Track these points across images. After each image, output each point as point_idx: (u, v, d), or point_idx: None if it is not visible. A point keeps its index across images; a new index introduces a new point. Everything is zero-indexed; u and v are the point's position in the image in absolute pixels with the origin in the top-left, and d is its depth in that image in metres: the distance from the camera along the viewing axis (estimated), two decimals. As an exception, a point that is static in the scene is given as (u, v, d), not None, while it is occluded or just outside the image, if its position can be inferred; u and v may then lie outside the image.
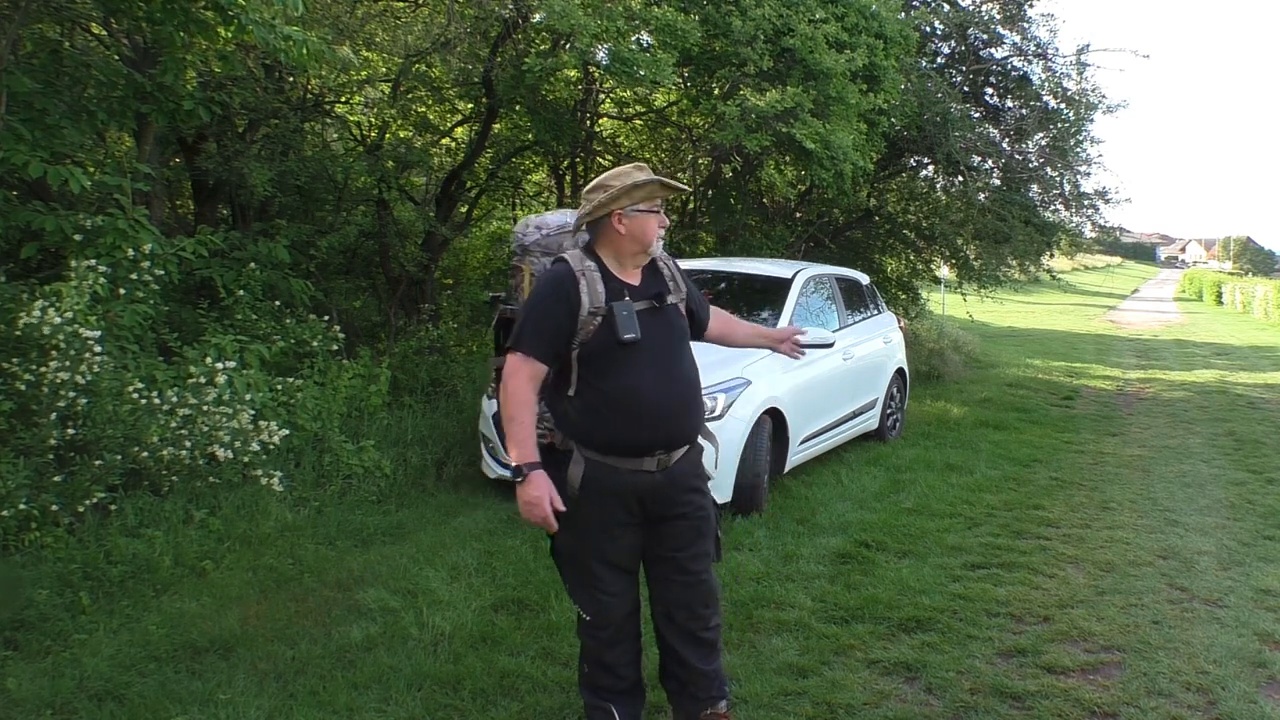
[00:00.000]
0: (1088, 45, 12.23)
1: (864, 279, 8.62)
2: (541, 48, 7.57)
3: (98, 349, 4.55)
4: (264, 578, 4.43)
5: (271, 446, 5.14)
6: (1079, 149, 11.60)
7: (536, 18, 7.27)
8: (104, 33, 6.39)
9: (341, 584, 4.42)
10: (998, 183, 11.60)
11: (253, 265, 6.41)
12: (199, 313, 6.03)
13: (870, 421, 7.81)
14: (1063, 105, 11.51)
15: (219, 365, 5.11)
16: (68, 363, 4.44)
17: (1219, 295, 38.53)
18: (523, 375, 2.83)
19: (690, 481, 3.00)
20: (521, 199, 11.52)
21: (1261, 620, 4.29)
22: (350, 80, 7.57)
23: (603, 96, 9.52)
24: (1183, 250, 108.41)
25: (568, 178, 11.00)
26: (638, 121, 10.55)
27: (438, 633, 3.90)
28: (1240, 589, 4.68)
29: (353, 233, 8.36)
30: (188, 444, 4.80)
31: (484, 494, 5.92)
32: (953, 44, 11.63)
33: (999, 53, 11.71)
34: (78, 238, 4.97)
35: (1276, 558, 5.19)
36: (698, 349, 3.11)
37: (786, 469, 6.35)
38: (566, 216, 3.13)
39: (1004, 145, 11.74)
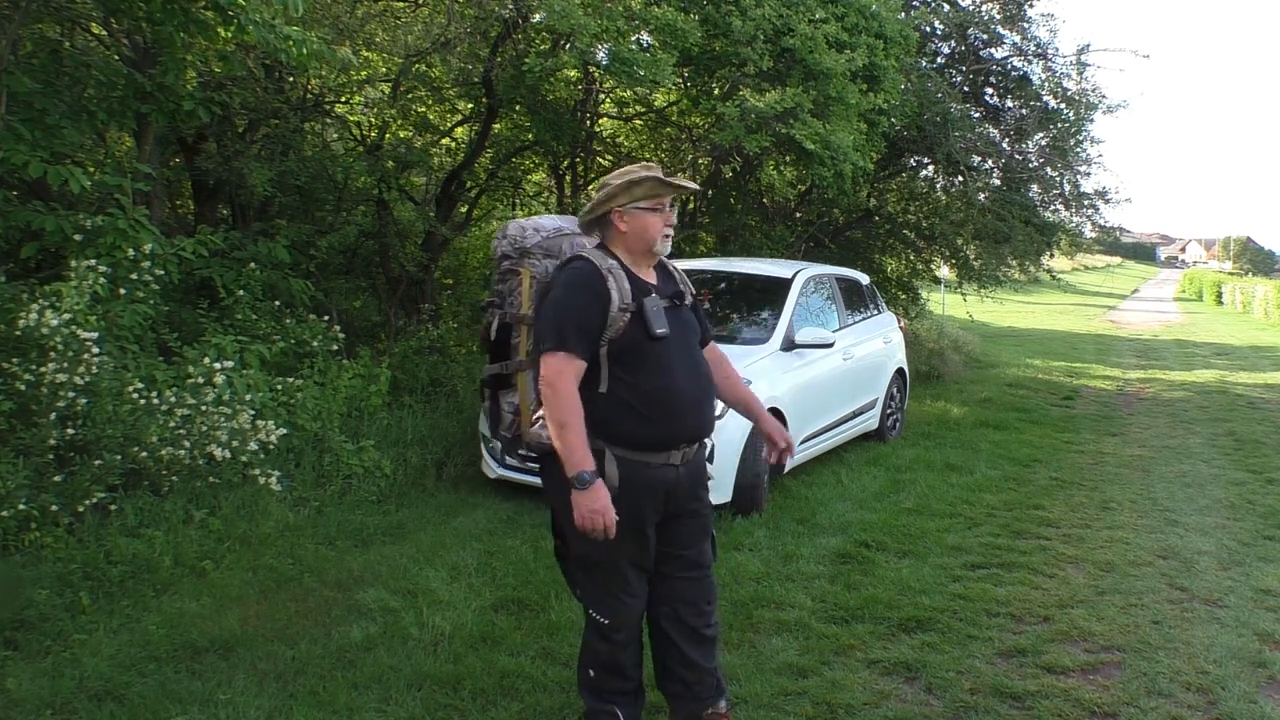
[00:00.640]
0: (1088, 45, 12.24)
1: (864, 279, 8.62)
2: (541, 48, 7.56)
3: (96, 349, 4.54)
4: (264, 578, 4.43)
5: (270, 446, 5.14)
6: (1079, 149, 11.60)
7: (536, 18, 7.26)
8: (104, 33, 6.39)
9: (341, 584, 4.42)
10: (998, 183, 11.59)
11: (253, 265, 6.41)
12: (199, 313, 6.03)
13: (870, 421, 7.81)
14: (1063, 105, 11.51)
15: (218, 365, 5.11)
16: (67, 363, 4.44)
17: (1219, 295, 38.53)
18: (569, 376, 2.78)
19: (701, 477, 3.09)
20: (521, 199, 11.51)
21: (1261, 620, 4.29)
22: (350, 80, 7.56)
23: (603, 96, 9.52)
24: (1183, 250, 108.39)
25: (568, 178, 11.00)
26: (638, 121, 10.55)
27: (438, 633, 3.90)
28: (1240, 589, 4.68)
29: (353, 233, 8.36)
30: (187, 444, 4.80)
31: (484, 494, 5.92)
32: (953, 44, 11.62)
33: (999, 53, 11.71)
34: (78, 238, 4.97)
35: (1276, 558, 5.19)
36: None
37: (786, 469, 6.35)
38: (559, 221, 3.14)
39: (1004, 145, 11.74)
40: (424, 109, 8.90)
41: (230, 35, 5.19)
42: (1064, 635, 4.08)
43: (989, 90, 12.05)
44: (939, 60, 11.77)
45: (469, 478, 6.21)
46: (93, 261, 4.79)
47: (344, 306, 8.06)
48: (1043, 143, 11.68)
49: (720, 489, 5.29)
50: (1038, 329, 22.31)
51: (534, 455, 3.08)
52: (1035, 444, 8.21)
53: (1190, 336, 21.65)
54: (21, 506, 4.14)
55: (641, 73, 6.69)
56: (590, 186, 11.64)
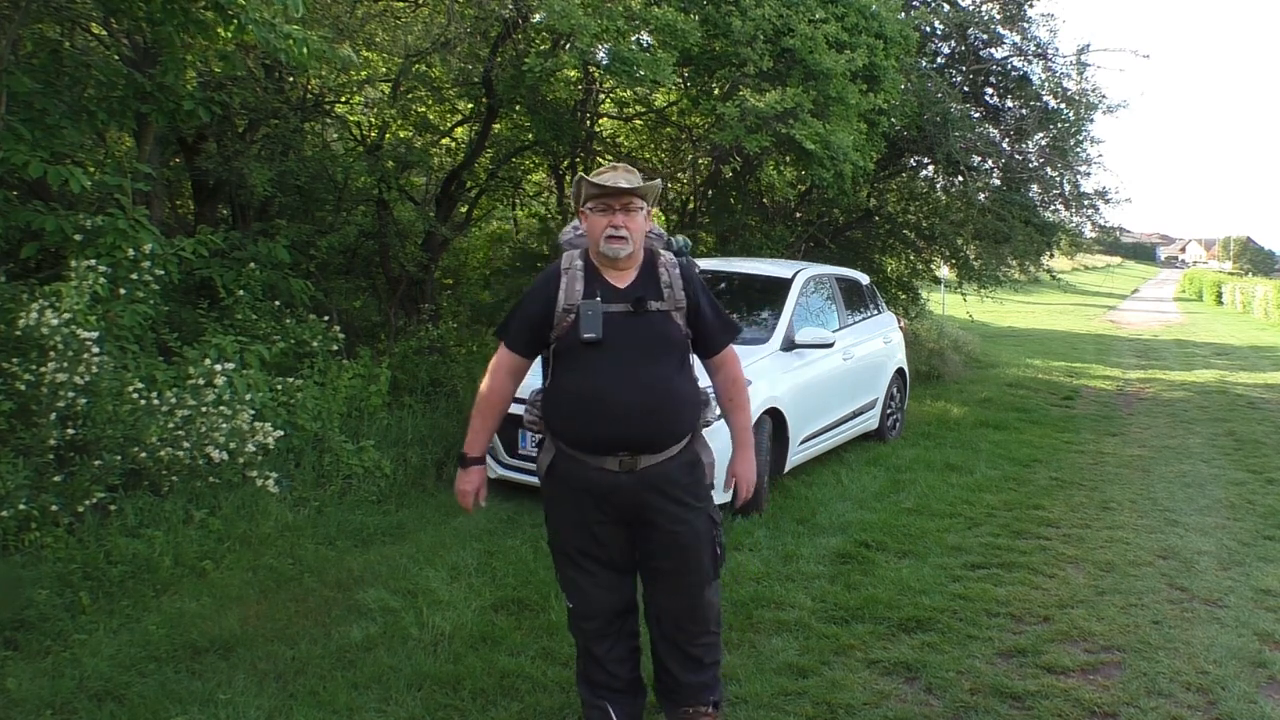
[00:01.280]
0: (1088, 45, 12.24)
1: (864, 279, 8.62)
2: (541, 48, 7.56)
3: (96, 349, 4.54)
4: (264, 578, 4.43)
5: (269, 447, 5.13)
6: (1079, 149, 11.60)
7: (536, 18, 7.26)
8: (104, 33, 6.39)
9: (341, 584, 4.42)
10: (998, 183, 11.59)
11: (253, 265, 6.41)
12: (199, 313, 6.03)
13: (870, 421, 7.81)
14: (1063, 105, 11.50)
15: (218, 366, 5.11)
16: (67, 363, 4.44)
17: (1219, 295, 38.53)
18: (502, 369, 3.01)
19: (668, 490, 2.93)
20: (521, 199, 11.52)
21: (1261, 620, 4.29)
22: (350, 80, 7.56)
23: (603, 96, 9.52)
24: (1183, 250, 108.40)
25: (568, 178, 10.99)
26: (638, 121, 10.55)
27: (438, 633, 3.90)
28: (1240, 589, 4.68)
29: (353, 233, 8.36)
30: (186, 444, 4.80)
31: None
32: (953, 44, 11.62)
33: (999, 53, 11.70)
34: (78, 238, 4.96)
35: (1276, 558, 5.19)
36: None
37: (786, 469, 6.34)
38: None
39: (1004, 145, 11.73)
40: (424, 109, 8.90)
41: (230, 35, 5.19)
42: (1064, 635, 4.08)
43: (989, 90, 12.04)
44: (939, 60, 11.76)
45: (469, 478, 6.20)
46: (93, 261, 4.79)
47: (344, 306, 8.06)
48: (1043, 143, 11.68)
49: (720, 489, 5.28)
50: (1038, 329, 22.31)
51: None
52: (1035, 444, 8.21)
53: (1190, 336, 21.65)
54: (21, 506, 4.14)
55: (641, 73, 6.69)
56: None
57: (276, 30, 4.90)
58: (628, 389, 2.83)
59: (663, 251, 3.02)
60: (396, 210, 8.53)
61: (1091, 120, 11.55)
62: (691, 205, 10.81)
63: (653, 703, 3.27)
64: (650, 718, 3.26)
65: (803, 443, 6.49)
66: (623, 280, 2.92)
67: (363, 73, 7.62)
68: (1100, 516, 5.96)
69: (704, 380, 3.10)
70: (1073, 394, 11.51)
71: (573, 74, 8.37)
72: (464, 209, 9.76)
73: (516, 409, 5.74)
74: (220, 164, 6.68)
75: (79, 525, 4.37)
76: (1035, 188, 11.98)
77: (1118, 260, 71.56)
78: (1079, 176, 11.88)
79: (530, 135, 9.17)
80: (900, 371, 8.37)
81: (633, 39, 7.11)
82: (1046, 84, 11.59)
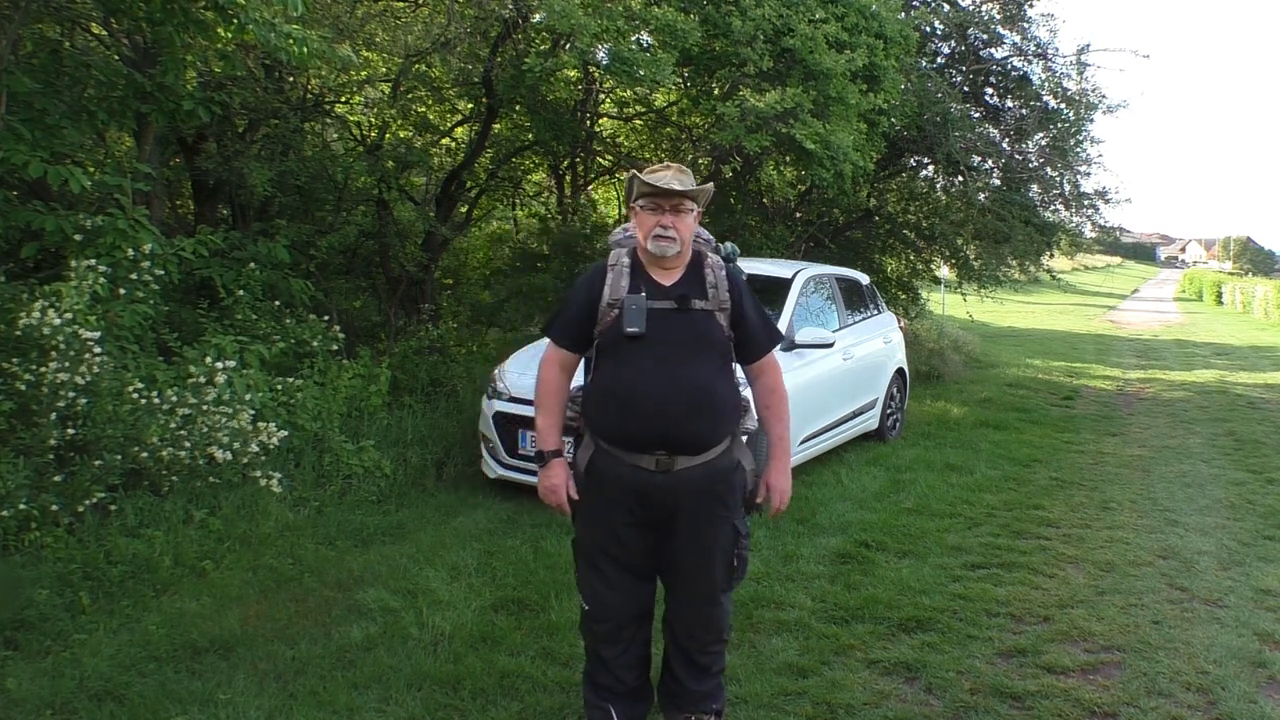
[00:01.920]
0: (1088, 45, 12.24)
1: (864, 279, 8.62)
2: (541, 48, 7.56)
3: (97, 349, 4.54)
4: (264, 578, 4.43)
5: (271, 447, 5.14)
6: (1079, 149, 11.60)
7: (536, 18, 7.26)
8: (104, 33, 6.39)
9: (341, 584, 4.42)
10: (998, 183, 11.59)
11: (253, 265, 6.41)
12: (199, 313, 6.03)
13: (870, 421, 7.81)
14: (1063, 105, 11.50)
15: (218, 365, 5.11)
16: (67, 363, 4.44)
17: (1219, 295, 38.54)
18: (553, 362, 3.02)
19: (701, 495, 2.91)
20: (521, 199, 11.52)
21: (1261, 620, 4.29)
22: (350, 80, 7.56)
23: (603, 96, 9.52)
24: (1183, 250, 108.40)
25: (568, 178, 11.00)
26: (638, 121, 10.55)
27: (438, 633, 3.90)
28: (1240, 589, 4.68)
29: (353, 233, 8.36)
30: (187, 444, 4.80)
31: (484, 494, 5.92)
32: (953, 44, 11.62)
33: (999, 53, 11.70)
34: (78, 238, 4.96)
35: (1276, 558, 5.19)
36: None
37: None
38: None
39: (1004, 145, 11.73)
40: (424, 109, 8.91)
41: (230, 35, 5.19)
42: (1064, 635, 4.08)
43: (989, 90, 12.05)
44: (939, 60, 11.76)
45: (469, 478, 6.21)
46: (93, 261, 4.79)
47: (344, 306, 8.06)
48: (1043, 143, 11.68)
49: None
50: (1038, 329, 22.31)
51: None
52: (1035, 444, 8.21)
53: (1190, 336, 21.65)
54: (21, 506, 4.14)
55: (641, 73, 6.69)
56: (590, 186, 11.65)
57: (276, 30, 4.90)
58: (668, 386, 2.83)
59: (710, 254, 3.03)
60: (396, 210, 8.53)
61: (1091, 120, 11.57)
62: (692, 205, 10.79)
63: (655, 703, 3.27)
64: (651, 718, 3.25)
65: (803, 443, 6.49)
66: (668, 278, 2.93)
67: (363, 73, 7.62)
68: (1100, 516, 5.96)
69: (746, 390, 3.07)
70: (1073, 394, 11.52)
71: (573, 74, 8.37)
72: (464, 209, 9.76)
73: (516, 409, 5.79)
74: (220, 164, 6.68)
75: (79, 525, 4.36)
76: (1035, 188, 11.98)
77: (1118, 260, 71.57)
78: (1079, 176, 11.89)
79: (530, 135, 9.17)
80: (900, 371, 8.37)
81: (633, 39, 7.11)
82: (1046, 84, 11.59)
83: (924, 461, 7.26)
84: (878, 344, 7.97)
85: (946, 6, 11.41)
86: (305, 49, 5.00)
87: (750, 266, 7.65)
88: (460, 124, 9.46)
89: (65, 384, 4.41)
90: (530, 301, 9.49)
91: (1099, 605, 4.43)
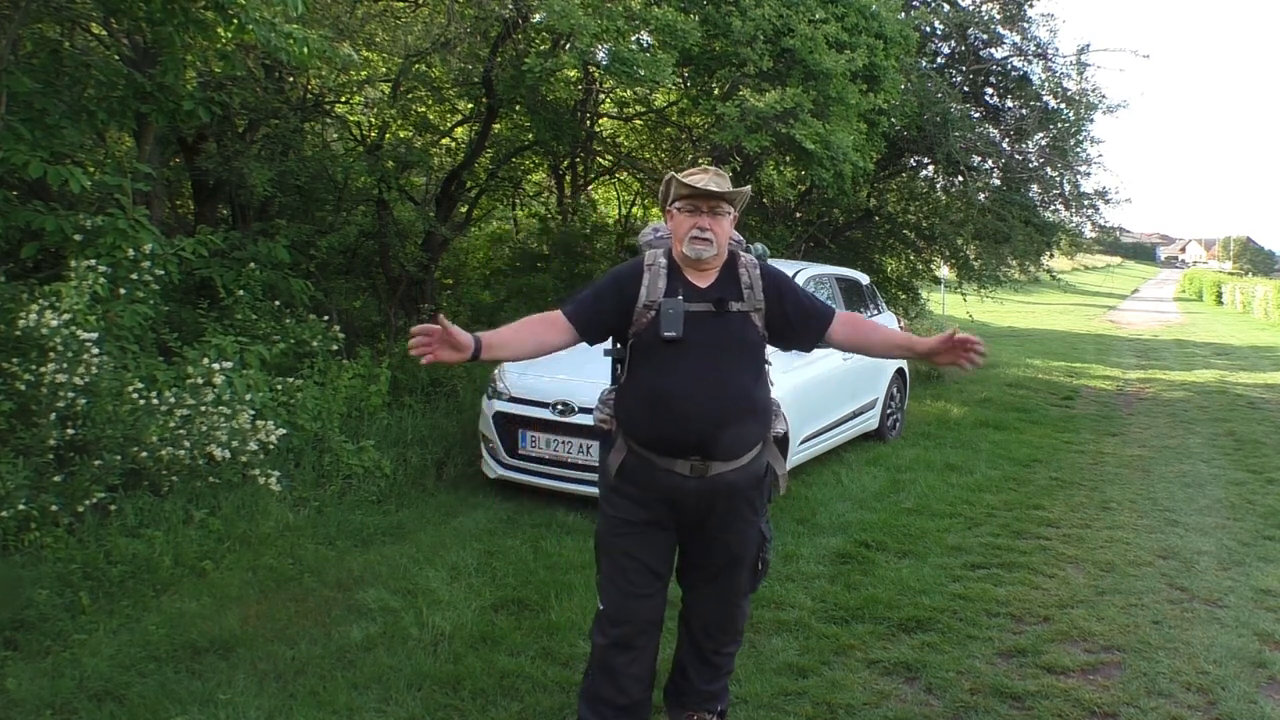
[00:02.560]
0: (1088, 45, 12.25)
1: (864, 279, 8.62)
2: (541, 48, 7.56)
3: (96, 350, 4.54)
4: (264, 578, 4.43)
5: (270, 446, 5.14)
6: (1079, 149, 11.60)
7: (536, 18, 7.26)
8: (104, 33, 6.39)
9: (341, 584, 4.42)
10: (998, 183, 11.59)
11: (253, 265, 6.41)
12: (199, 313, 6.03)
13: (870, 421, 7.81)
14: (1063, 105, 11.51)
15: (217, 365, 5.11)
16: (67, 363, 4.43)
17: (1219, 295, 38.54)
18: (548, 318, 2.89)
19: (733, 500, 2.91)
20: (521, 199, 11.52)
21: (1261, 620, 4.29)
22: (350, 80, 7.57)
23: (603, 96, 9.52)
24: (1183, 250, 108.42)
25: (568, 178, 11.01)
26: (638, 121, 10.55)
27: (438, 633, 3.90)
28: (1240, 589, 4.68)
29: (353, 233, 8.36)
30: (187, 444, 4.80)
31: (484, 494, 5.92)
32: (953, 44, 11.62)
33: (999, 53, 11.71)
34: (78, 238, 4.96)
35: (1276, 558, 5.19)
36: None
37: (786, 469, 6.33)
38: None
39: (1004, 145, 11.73)
40: (424, 109, 8.91)
41: (230, 35, 5.19)
42: (1064, 635, 4.08)
43: (989, 90, 12.05)
44: (939, 60, 11.77)
45: (469, 478, 6.21)
46: (93, 261, 4.79)
47: (344, 306, 8.06)
48: (1043, 143, 11.68)
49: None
50: (1038, 329, 22.31)
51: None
52: (1035, 444, 8.21)
53: (1190, 336, 21.65)
54: (21, 506, 4.13)
55: (641, 73, 6.69)
56: (590, 186, 11.66)
57: (276, 30, 4.90)
58: (705, 391, 2.79)
59: (743, 253, 3.01)
60: (396, 210, 8.54)
61: (1091, 120, 11.57)
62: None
63: (658, 704, 3.26)
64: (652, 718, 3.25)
65: (803, 443, 6.49)
66: (704, 280, 2.91)
67: (363, 73, 7.62)
68: (1100, 516, 5.96)
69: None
70: (1073, 394, 11.52)
71: (573, 74, 8.37)
72: (464, 209, 9.77)
73: (516, 409, 5.80)
74: (220, 164, 6.68)
75: (79, 525, 4.36)
76: (1035, 188, 11.98)
77: (1118, 260, 71.61)
78: (1079, 176, 11.89)
79: (530, 135, 9.17)
80: (900, 371, 8.37)
81: (633, 39, 7.11)
82: (1046, 84, 11.59)
83: (924, 461, 7.26)
84: (878, 344, 7.95)
85: (946, 6, 11.42)
86: (305, 49, 5.00)
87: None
88: (460, 124, 9.46)
89: (65, 384, 4.41)
90: (530, 301, 9.49)
91: (1099, 605, 4.43)
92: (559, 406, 5.60)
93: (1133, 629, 4.16)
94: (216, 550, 4.60)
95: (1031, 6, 11.45)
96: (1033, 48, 11.50)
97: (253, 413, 5.13)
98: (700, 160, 9.85)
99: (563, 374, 5.69)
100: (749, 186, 3.06)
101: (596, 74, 8.21)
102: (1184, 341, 20.25)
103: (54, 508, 4.29)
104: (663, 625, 3.05)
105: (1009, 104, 12.02)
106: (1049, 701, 3.48)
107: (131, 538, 4.38)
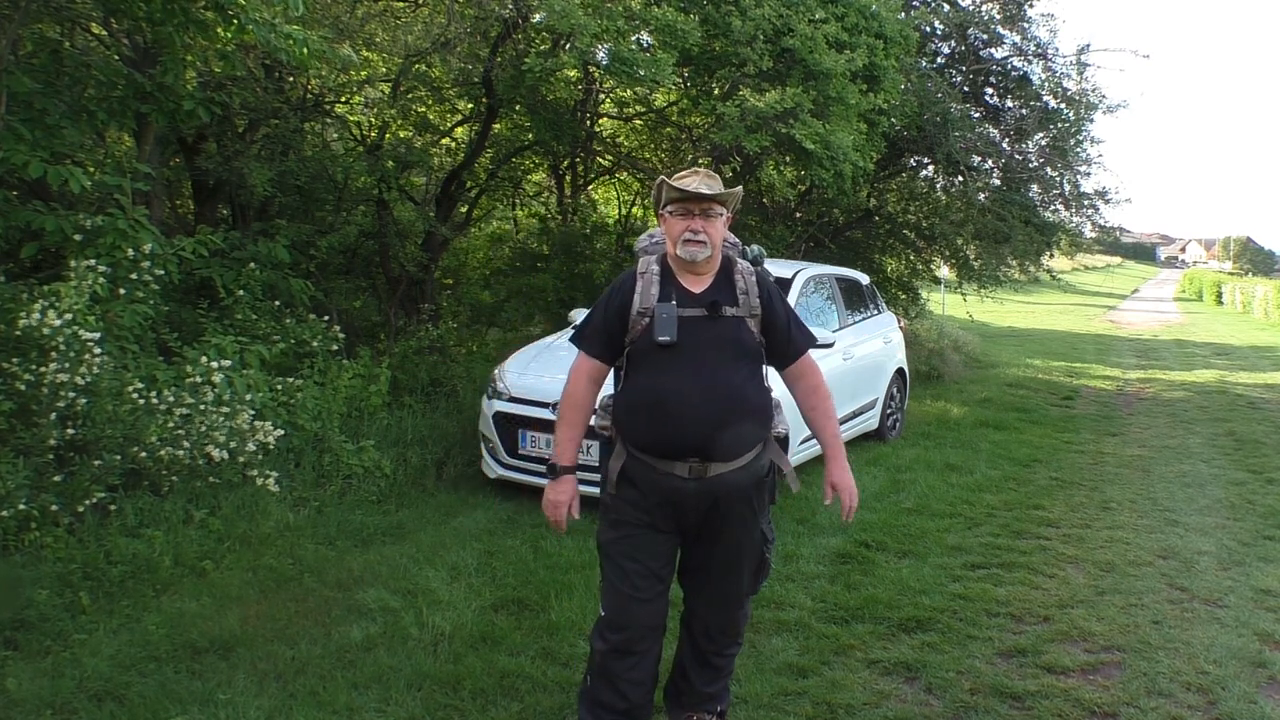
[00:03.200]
0: (1088, 45, 12.25)
1: (864, 279, 8.63)
2: (541, 48, 7.56)
3: (97, 350, 4.54)
4: (264, 578, 4.43)
5: (269, 447, 5.14)
6: (1079, 149, 11.61)
7: (536, 18, 7.27)
8: (104, 33, 6.39)
9: (341, 584, 4.42)
10: (998, 183, 11.60)
11: (253, 265, 6.41)
12: (199, 313, 6.03)
13: (870, 421, 7.81)
14: (1063, 105, 11.51)
15: (217, 365, 5.10)
16: (67, 363, 4.43)
17: (1219, 295, 38.55)
18: (582, 374, 2.98)
19: (733, 500, 2.91)
20: (521, 199, 11.52)
21: (1261, 620, 4.30)
22: (350, 80, 7.57)
23: (603, 96, 9.52)
24: (1183, 250, 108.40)
25: (568, 178, 11.00)
26: (638, 121, 10.55)
27: (438, 633, 3.90)
28: (1240, 589, 4.68)
29: (353, 233, 8.35)
30: (186, 444, 4.80)
31: (484, 494, 5.92)
32: (953, 44, 11.63)
33: (999, 53, 11.71)
34: (78, 238, 4.96)
35: (1276, 558, 5.19)
36: None
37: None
38: None
39: (1004, 145, 11.74)
40: (424, 109, 8.91)
41: (230, 35, 5.19)
42: (1064, 635, 4.08)
43: (989, 90, 12.05)
44: (939, 60, 11.77)
45: (469, 478, 6.21)
46: (93, 261, 4.79)
47: (344, 306, 8.06)
48: (1043, 143, 11.69)
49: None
50: (1038, 329, 22.32)
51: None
52: (1035, 444, 8.22)
53: (1190, 336, 21.66)
54: (21, 506, 4.13)
55: (641, 73, 6.69)
56: (590, 186, 11.66)
57: (276, 30, 4.90)
58: (700, 393, 2.80)
59: (739, 260, 3.02)
60: (396, 210, 8.53)
61: (1091, 120, 11.58)
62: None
63: (657, 703, 3.26)
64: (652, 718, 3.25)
65: (803, 443, 6.48)
66: (699, 285, 2.92)
67: (363, 73, 7.62)
68: (1100, 516, 5.96)
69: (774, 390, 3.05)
70: (1073, 394, 11.52)
71: (573, 74, 8.37)
72: (464, 209, 9.76)
73: (516, 409, 5.79)
74: (220, 164, 6.68)
75: (79, 525, 4.36)
76: (1035, 188, 11.98)
77: (1118, 260, 71.59)
78: (1079, 176, 11.89)
79: (530, 135, 9.17)
80: (900, 371, 8.38)
81: (633, 39, 7.11)
82: (1046, 84, 11.60)
83: (924, 461, 7.26)
84: (878, 344, 7.97)
85: (946, 6, 11.42)
86: (305, 49, 5.00)
87: (750, 266, 7.65)
88: (460, 124, 9.45)
89: (65, 384, 4.41)
90: (530, 301, 9.50)
91: (1099, 605, 4.43)
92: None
93: (1133, 629, 4.16)
94: (216, 550, 4.60)
95: (1031, 6, 11.47)
96: (1033, 48, 11.51)
97: (252, 413, 5.13)
98: (700, 160, 9.85)
99: (562, 374, 5.66)
100: (740, 188, 3.06)
101: (596, 74, 8.21)
102: (1184, 341, 20.26)
103: (54, 507, 4.29)
104: (665, 630, 3.04)
105: (1009, 104, 12.02)
106: (1049, 701, 3.48)
107: (131, 538, 4.38)
